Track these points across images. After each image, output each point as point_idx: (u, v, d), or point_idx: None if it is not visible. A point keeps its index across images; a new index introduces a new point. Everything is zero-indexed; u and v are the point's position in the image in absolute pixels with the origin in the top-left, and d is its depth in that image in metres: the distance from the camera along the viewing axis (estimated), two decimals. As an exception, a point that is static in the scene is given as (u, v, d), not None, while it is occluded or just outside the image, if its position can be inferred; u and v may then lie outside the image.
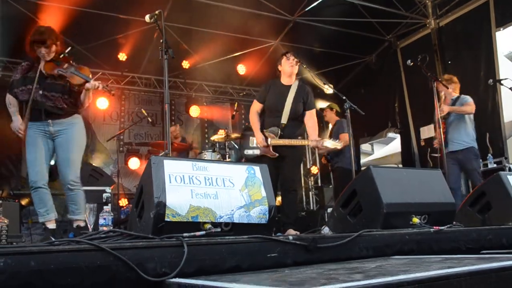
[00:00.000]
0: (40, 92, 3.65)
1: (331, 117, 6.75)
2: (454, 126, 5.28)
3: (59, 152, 3.76)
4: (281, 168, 4.39)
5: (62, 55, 3.76)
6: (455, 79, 5.48)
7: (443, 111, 5.11)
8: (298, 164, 4.83)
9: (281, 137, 4.36)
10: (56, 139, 3.75)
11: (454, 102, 5.34)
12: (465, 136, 5.22)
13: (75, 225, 3.79)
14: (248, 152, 4.54)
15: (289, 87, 4.49)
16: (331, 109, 6.75)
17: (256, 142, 4.42)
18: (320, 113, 6.31)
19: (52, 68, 3.69)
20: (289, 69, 4.47)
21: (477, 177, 5.09)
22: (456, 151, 5.20)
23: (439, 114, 4.98)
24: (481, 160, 5.56)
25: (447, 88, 5.28)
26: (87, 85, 3.68)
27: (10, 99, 3.79)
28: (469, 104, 5.21)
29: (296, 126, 4.50)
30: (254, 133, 4.49)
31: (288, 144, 4.32)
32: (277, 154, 4.34)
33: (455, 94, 5.41)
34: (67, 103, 3.77)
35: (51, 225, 3.72)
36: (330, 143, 4.28)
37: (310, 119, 4.51)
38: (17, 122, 3.73)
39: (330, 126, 7.15)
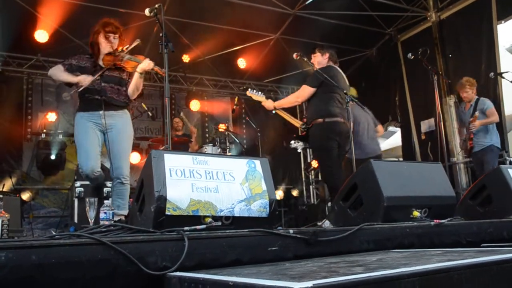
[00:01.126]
0: (100, 83, 3.66)
1: None
2: (480, 131, 5.53)
3: (113, 145, 3.73)
4: None
5: (121, 50, 3.76)
6: (474, 81, 5.69)
7: (475, 126, 5.41)
8: None
9: None
10: (109, 132, 3.71)
11: (475, 105, 5.56)
12: (488, 137, 5.51)
13: (117, 218, 3.67)
14: None
15: None
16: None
17: None
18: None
19: (109, 60, 3.71)
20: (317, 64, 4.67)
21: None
22: (477, 151, 5.53)
23: (471, 128, 5.41)
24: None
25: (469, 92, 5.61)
26: (141, 66, 3.66)
27: (61, 71, 3.71)
28: (494, 114, 5.50)
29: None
30: None
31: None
32: None
33: (475, 96, 5.64)
34: (123, 95, 3.79)
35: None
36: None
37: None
38: (82, 76, 3.62)
39: None
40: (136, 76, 3.77)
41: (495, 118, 5.50)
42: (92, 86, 3.62)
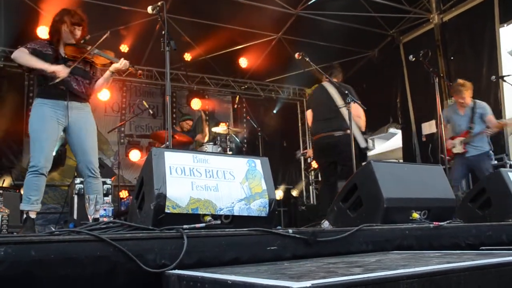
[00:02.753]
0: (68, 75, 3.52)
1: None
2: (478, 135, 5.41)
3: (79, 139, 3.59)
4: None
5: (83, 40, 3.66)
6: (469, 84, 5.55)
7: (492, 132, 5.35)
8: None
9: None
10: (72, 126, 3.57)
11: (472, 110, 5.43)
12: (485, 143, 5.42)
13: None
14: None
15: None
16: None
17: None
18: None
19: (75, 51, 3.60)
20: None
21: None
22: (472, 156, 5.41)
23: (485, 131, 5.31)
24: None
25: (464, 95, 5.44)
26: (116, 65, 3.63)
27: (27, 54, 3.47)
28: (494, 121, 5.38)
29: None
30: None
31: None
32: None
33: (470, 100, 5.51)
34: (86, 88, 3.69)
35: (34, 215, 3.52)
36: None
37: None
38: (59, 66, 3.44)
39: None
40: (107, 74, 3.74)
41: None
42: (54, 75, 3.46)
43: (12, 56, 3.55)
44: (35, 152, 3.44)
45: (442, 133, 4.72)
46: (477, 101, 5.47)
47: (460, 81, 5.56)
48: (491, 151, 5.40)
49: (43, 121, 3.48)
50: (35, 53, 3.50)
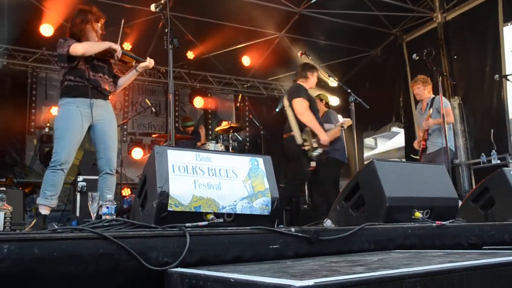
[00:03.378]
0: (90, 72, 3.58)
1: (320, 108, 6.63)
2: (435, 131, 5.38)
3: (104, 138, 3.65)
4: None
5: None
6: (428, 79, 5.55)
7: (429, 125, 5.30)
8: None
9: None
10: (98, 123, 3.62)
11: (430, 104, 5.42)
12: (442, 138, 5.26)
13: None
14: (315, 153, 4.77)
15: None
16: (321, 100, 6.64)
17: (322, 141, 4.70)
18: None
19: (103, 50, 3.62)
20: (314, 84, 5.00)
21: None
22: (430, 152, 5.39)
23: (424, 128, 5.31)
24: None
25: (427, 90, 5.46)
26: (143, 64, 3.73)
27: (79, 44, 3.51)
28: (449, 114, 5.25)
29: None
30: (309, 135, 4.74)
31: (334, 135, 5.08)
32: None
33: (430, 95, 5.50)
34: (111, 86, 3.75)
35: (47, 211, 3.51)
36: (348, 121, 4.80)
37: None
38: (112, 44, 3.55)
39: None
40: (133, 72, 3.82)
41: (450, 119, 5.25)
42: (82, 75, 3.53)
43: (81, 51, 3.47)
44: (58, 149, 3.49)
45: (445, 132, 4.69)
46: (436, 96, 5.34)
47: (419, 76, 5.58)
48: (449, 147, 5.19)
49: (68, 120, 3.52)
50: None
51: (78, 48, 3.46)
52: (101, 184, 3.67)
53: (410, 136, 7.91)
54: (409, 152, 7.96)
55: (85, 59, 3.55)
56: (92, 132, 3.64)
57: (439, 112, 5.19)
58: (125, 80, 3.91)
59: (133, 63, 3.79)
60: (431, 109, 5.32)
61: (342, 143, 6.03)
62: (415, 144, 5.64)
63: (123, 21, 3.72)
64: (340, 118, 5.95)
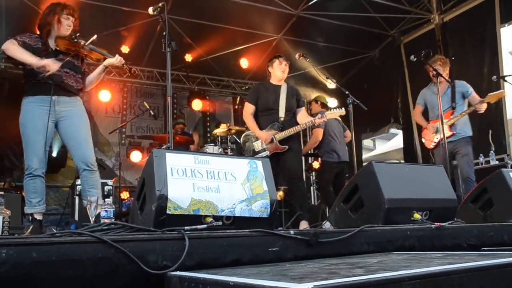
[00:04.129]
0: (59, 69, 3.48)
1: (315, 110, 6.65)
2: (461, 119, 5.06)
3: (72, 133, 3.52)
4: (285, 161, 4.46)
5: (74, 36, 3.61)
6: (447, 60, 5.22)
7: (482, 109, 4.90)
8: (300, 154, 4.91)
9: (282, 130, 4.42)
10: (63, 121, 3.51)
11: (452, 87, 5.08)
12: (466, 128, 5.14)
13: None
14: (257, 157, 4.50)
15: (279, 86, 4.65)
16: (316, 101, 6.65)
17: (262, 140, 4.50)
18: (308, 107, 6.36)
19: (68, 45, 3.57)
20: (280, 74, 4.62)
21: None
22: (452, 141, 5.07)
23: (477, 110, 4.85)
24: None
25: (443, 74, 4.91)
26: (110, 60, 3.62)
27: (18, 46, 3.40)
28: (477, 96, 4.98)
29: (292, 119, 4.62)
30: (253, 136, 4.61)
31: (293, 131, 4.43)
32: (286, 147, 4.44)
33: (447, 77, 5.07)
34: (78, 82, 3.65)
35: (40, 217, 3.47)
36: (331, 113, 4.39)
37: (303, 114, 4.67)
38: (49, 60, 3.37)
39: None
40: (100, 68, 3.72)
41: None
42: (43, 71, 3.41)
43: (2, 47, 3.46)
44: (27, 154, 3.41)
45: (444, 133, 4.68)
46: (456, 81, 5.12)
47: (437, 56, 5.22)
48: (471, 137, 5.08)
49: (30, 121, 3.44)
50: (24, 46, 3.44)
51: (4, 46, 3.43)
52: (82, 183, 3.54)
53: (408, 138, 7.93)
54: (408, 153, 7.98)
55: (46, 55, 3.45)
56: (58, 130, 3.55)
57: (463, 97, 5.03)
58: (93, 77, 3.79)
59: (102, 60, 3.69)
60: (456, 95, 4.93)
61: (330, 144, 6.01)
62: (431, 129, 5.18)
63: (94, 37, 3.64)
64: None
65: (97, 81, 3.83)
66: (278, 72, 4.59)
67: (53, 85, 3.44)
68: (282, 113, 4.50)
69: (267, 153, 4.48)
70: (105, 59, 3.66)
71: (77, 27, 3.68)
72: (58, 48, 3.57)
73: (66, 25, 3.59)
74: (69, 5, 3.63)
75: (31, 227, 3.46)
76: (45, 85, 3.44)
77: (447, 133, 4.92)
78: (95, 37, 3.61)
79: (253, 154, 4.56)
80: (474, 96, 5.08)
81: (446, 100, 5.09)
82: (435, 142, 5.21)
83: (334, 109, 4.43)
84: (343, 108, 4.40)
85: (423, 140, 5.49)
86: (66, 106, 3.54)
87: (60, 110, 3.50)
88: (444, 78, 4.89)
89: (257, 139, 4.60)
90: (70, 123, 3.54)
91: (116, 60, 3.62)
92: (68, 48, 3.57)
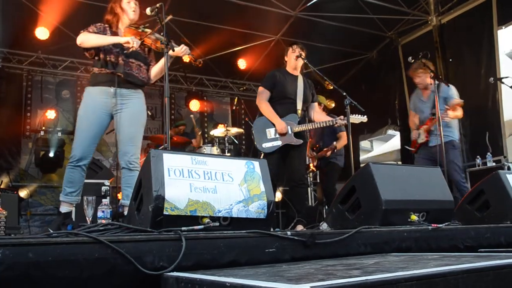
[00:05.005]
0: (123, 58, 3.47)
1: None
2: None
3: (122, 129, 3.49)
4: (290, 160, 4.33)
5: (143, 26, 3.54)
6: (430, 63, 5.03)
7: (449, 118, 4.80)
8: (305, 155, 4.79)
9: (299, 123, 4.36)
10: (118, 113, 3.48)
11: (436, 90, 4.85)
12: (449, 131, 5.03)
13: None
14: (267, 145, 4.29)
15: (296, 76, 4.56)
16: (319, 104, 6.67)
17: (278, 130, 4.26)
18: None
19: (136, 34, 3.50)
20: (293, 62, 4.53)
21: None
22: (434, 145, 4.97)
23: (443, 118, 4.72)
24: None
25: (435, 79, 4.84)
26: (177, 49, 3.46)
27: (91, 34, 3.41)
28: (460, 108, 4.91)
29: (305, 113, 4.55)
30: (266, 124, 4.36)
31: (311, 128, 4.37)
32: (301, 141, 4.31)
33: (431, 82, 4.95)
34: (143, 73, 3.61)
35: (67, 208, 3.46)
36: (355, 118, 4.31)
37: (319, 111, 4.63)
38: (131, 37, 3.33)
39: None
40: (163, 60, 3.56)
41: (461, 112, 4.92)
42: (113, 59, 3.43)
43: (78, 42, 3.41)
44: (74, 144, 3.43)
45: (441, 134, 4.68)
46: (442, 83, 4.99)
47: (416, 63, 5.05)
48: (456, 140, 5.01)
49: (84, 111, 3.45)
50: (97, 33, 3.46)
51: (80, 39, 3.40)
52: (122, 180, 3.55)
53: (406, 139, 7.93)
54: (405, 154, 7.99)
55: (114, 44, 3.43)
56: (114, 122, 3.54)
57: (446, 102, 4.95)
58: (158, 68, 3.69)
59: (160, 47, 3.46)
60: (436, 97, 4.77)
61: (341, 148, 6.06)
62: (414, 134, 5.23)
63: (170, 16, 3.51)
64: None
65: (162, 73, 3.69)
66: (292, 59, 4.52)
67: (116, 76, 3.44)
68: (300, 105, 4.40)
69: (279, 143, 4.27)
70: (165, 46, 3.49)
71: (141, 13, 3.61)
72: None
73: (130, 10, 3.58)
74: None
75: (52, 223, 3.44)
76: (108, 76, 3.44)
77: (423, 139, 5.09)
78: (170, 16, 3.51)
79: (261, 143, 4.33)
80: (453, 101, 4.96)
81: (429, 106, 5.12)
82: (415, 147, 5.27)
83: (357, 115, 4.31)
84: (365, 116, 4.32)
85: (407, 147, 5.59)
86: (124, 99, 3.50)
87: (118, 102, 3.46)
88: (442, 80, 4.92)
89: (270, 126, 4.36)
90: (122, 117, 3.49)
91: (182, 49, 3.52)
92: (134, 36, 3.49)
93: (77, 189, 3.43)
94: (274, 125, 4.33)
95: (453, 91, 5.05)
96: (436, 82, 4.80)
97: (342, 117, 4.34)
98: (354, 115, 4.34)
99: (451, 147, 4.96)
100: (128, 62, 3.51)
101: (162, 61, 3.59)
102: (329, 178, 6.22)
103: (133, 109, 3.54)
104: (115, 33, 3.55)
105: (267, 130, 4.37)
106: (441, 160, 4.62)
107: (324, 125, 4.42)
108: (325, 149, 6.10)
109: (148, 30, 3.56)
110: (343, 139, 6.04)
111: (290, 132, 4.29)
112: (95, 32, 3.48)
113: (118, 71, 3.45)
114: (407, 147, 5.48)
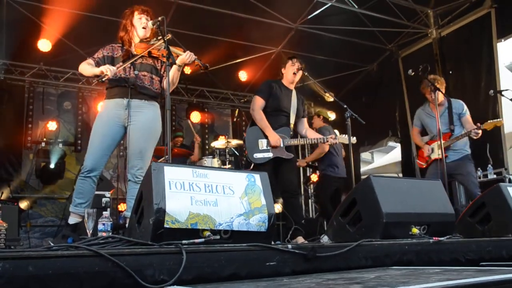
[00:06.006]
0: (133, 70, 3.55)
1: (318, 124, 6.66)
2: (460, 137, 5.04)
3: (131, 140, 3.51)
4: (284, 172, 4.35)
5: (155, 39, 3.62)
6: (442, 80, 5.17)
7: (478, 135, 4.84)
8: (296, 167, 4.84)
9: (291, 137, 4.39)
10: (130, 125, 3.50)
11: (449, 107, 5.06)
12: (466, 146, 5.15)
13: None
14: (258, 156, 4.30)
15: (290, 90, 4.61)
16: (318, 116, 6.69)
17: (271, 142, 4.26)
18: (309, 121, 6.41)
19: (143, 47, 3.57)
20: (291, 75, 4.55)
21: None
22: (452, 161, 5.03)
23: (473, 135, 4.83)
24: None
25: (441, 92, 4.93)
26: (181, 57, 3.53)
27: (86, 64, 3.53)
28: (471, 121, 4.98)
29: (295, 127, 4.60)
30: (259, 135, 4.35)
31: (302, 143, 4.47)
32: (292, 155, 4.34)
33: (445, 98, 5.11)
34: (155, 84, 3.66)
35: (76, 219, 3.43)
36: (342, 138, 4.44)
37: (307, 127, 4.67)
38: (105, 66, 3.39)
39: None
40: (174, 68, 3.60)
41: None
42: (124, 75, 3.51)
43: (78, 71, 3.62)
44: (87, 155, 3.47)
45: (442, 147, 4.68)
46: (452, 99, 5.09)
47: (432, 76, 5.11)
48: (470, 155, 5.08)
49: (100, 123, 3.51)
50: (103, 61, 3.56)
51: (79, 68, 3.57)
52: (127, 192, 3.59)
53: (406, 151, 7.93)
54: (406, 167, 7.98)
55: (124, 60, 3.53)
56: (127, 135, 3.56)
57: (460, 118, 5.04)
58: (168, 79, 3.63)
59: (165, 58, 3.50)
60: (453, 117, 4.94)
61: (332, 159, 6.10)
62: (426, 150, 5.19)
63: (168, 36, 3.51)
64: (337, 133, 5.96)
65: (175, 83, 3.71)
66: (290, 73, 4.54)
67: (130, 88, 3.50)
68: (293, 119, 4.46)
69: (270, 155, 4.27)
70: (177, 56, 3.58)
71: (152, 30, 3.70)
72: (135, 53, 3.60)
73: (140, 26, 3.65)
74: (138, 6, 3.68)
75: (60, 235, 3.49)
76: (121, 89, 3.52)
77: (439, 154, 4.89)
78: (169, 36, 3.51)
79: (253, 153, 4.33)
80: (467, 118, 5.06)
81: (443, 122, 5.06)
82: (427, 163, 5.27)
83: (345, 136, 4.40)
84: (355, 138, 4.37)
85: (417, 161, 5.57)
86: (137, 110, 3.53)
87: (130, 114, 3.50)
88: (443, 94, 4.96)
89: (262, 137, 4.34)
90: (133, 130, 3.52)
91: (186, 56, 3.56)
92: (142, 50, 3.57)
93: (87, 200, 3.44)
94: (266, 137, 4.34)
95: (465, 107, 5.13)
96: (447, 98, 4.94)
97: (333, 136, 4.46)
98: (343, 135, 4.46)
99: (468, 161, 5.06)
100: (140, 75, 3.59)
101: (171, 73, 3.57)
102: (320, 189, 6.26)
103: (144, 122, 3.56)
104: (127, 51, 3.62)
105: (259, 140, 4.37)
106: (460, 174, 4.85)
107: (316, 142, 4.51)
108: (299, 160, 6.25)
109: (158, 43, 3.61)
110: (315, 152, 6.31)
111: (282, 145, 4.31)
112: (103, 57, 3.60)
113: (130, 84, 3.53)
114: (418, 161, 5.50)
